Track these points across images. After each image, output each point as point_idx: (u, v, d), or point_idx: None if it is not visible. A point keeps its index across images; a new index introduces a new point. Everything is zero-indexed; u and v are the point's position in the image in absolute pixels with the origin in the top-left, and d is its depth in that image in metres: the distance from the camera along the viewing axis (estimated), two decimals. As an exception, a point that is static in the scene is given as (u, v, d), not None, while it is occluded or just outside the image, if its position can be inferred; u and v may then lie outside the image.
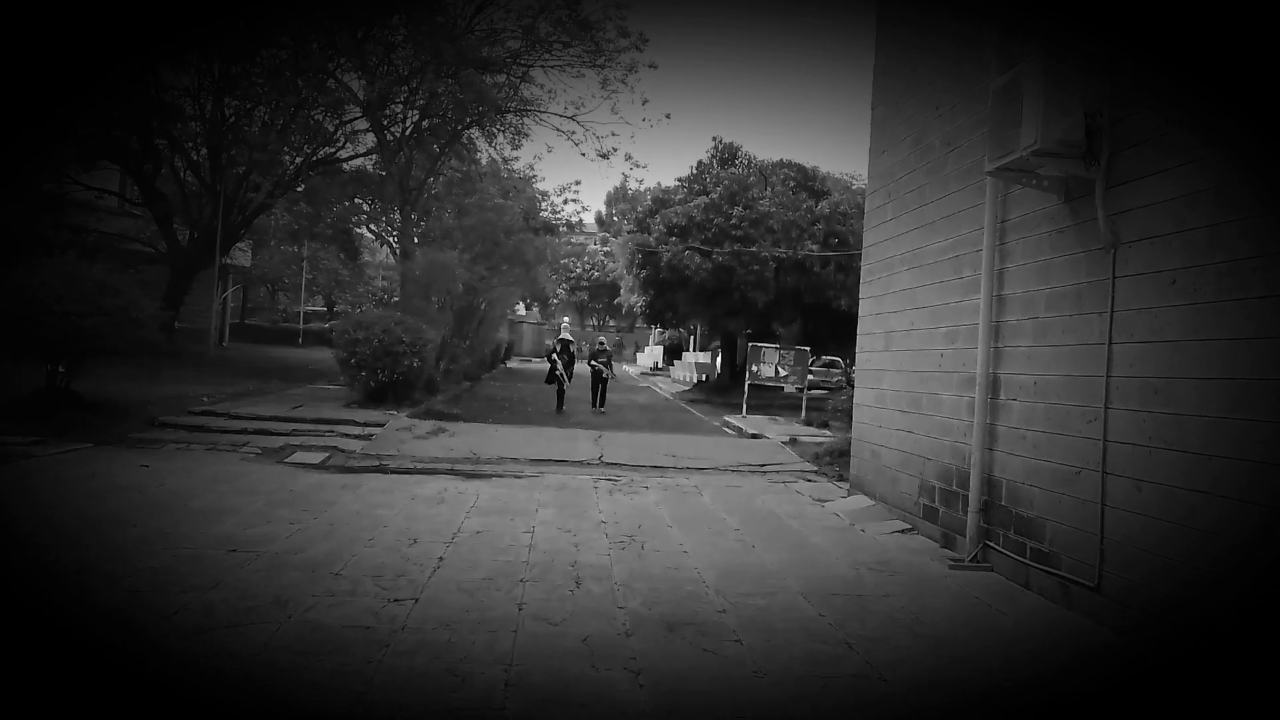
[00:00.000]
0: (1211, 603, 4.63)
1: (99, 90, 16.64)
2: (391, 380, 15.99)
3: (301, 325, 43.08)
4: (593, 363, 20.49)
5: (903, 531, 8.31)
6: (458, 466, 11.20)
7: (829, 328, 29.21)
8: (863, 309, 10.49)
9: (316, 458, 11.20)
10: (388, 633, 4.73)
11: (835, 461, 12.50)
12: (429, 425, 14.43)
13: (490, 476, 10.58)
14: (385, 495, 8.91)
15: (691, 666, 4.46)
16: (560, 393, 19.50)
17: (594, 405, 20.06)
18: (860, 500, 9.69)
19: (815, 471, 12.21)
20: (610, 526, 7.92)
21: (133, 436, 11.76)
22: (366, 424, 13.94)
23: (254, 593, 5.32)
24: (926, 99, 8.90)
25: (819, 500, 9.96)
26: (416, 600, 5.35)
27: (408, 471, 10.67)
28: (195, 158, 24.08)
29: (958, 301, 7.92)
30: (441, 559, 6.43)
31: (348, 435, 13.13)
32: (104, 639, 4.43)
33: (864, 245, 10.63)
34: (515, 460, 11.90)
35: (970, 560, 7.03)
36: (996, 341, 7.16)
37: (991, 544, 6.98)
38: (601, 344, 21.13)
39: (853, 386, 21.78)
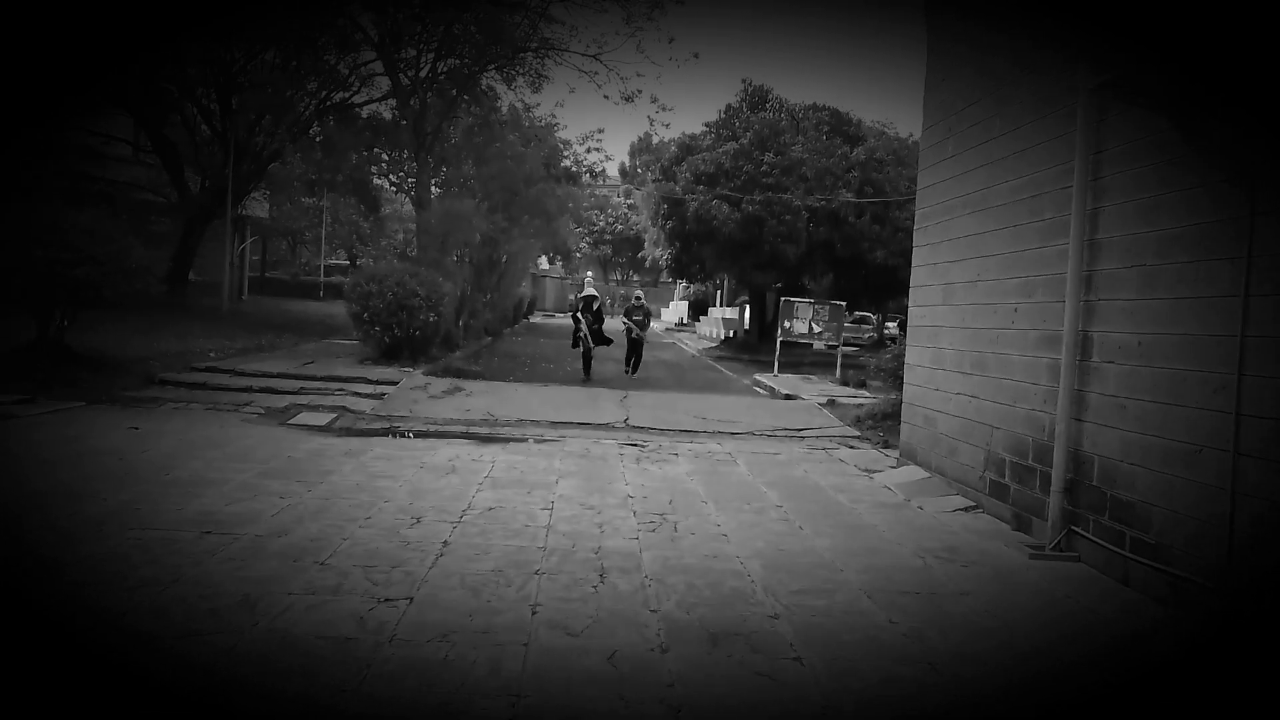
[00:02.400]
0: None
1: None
2: (407, 335, 15.17)
3: (322, 279, 42.31)
4: (625, 320, 18.11)
5: (966, 510, 7.38)
6: (473, 429, 10.39)
7: (862, 282, 27.97)
8: (916, 259, 9.46)
9: (322, 419, 10.44)
10: (371, 646, 3.90)
11: (879, 426, 11.55)
12: (445, 384, 13.62)
13: (507, 441, 9.75)
14: (391, 463, 8.10)
15: (743, 699, 3.58)
16: (586, 356, 16.91)
17: (626, 368, 17.54)
18: (913, 471, 8.76)
19: (858, 437, 11.27)
20: (638, 502, 7.05)
21: (128, 395, 11.04)
22: (379, 382, 13.18)
23: (220, 589, 4.51)
24: (993, 11, 7.78)
25: (866, 470, 9.04)
26: (411, 600, 4.52)
27: (419, 435, 9.87)
28: (206, 103, 23.13)
29: (1036, 248, 6.89)
30: (446, 543, 5.60)
31: (358, 394, 12.37)
32: (16, 658, 3.63)
33: (918, 187, 9.56)
34: (535, 423, 11.06)
35: (1052, 547, 6.09)
36: (1087, 294, 6.14)
37: (1078, 529, 6.04)
38: (638, 299, 18.40)
39: (889, 343, 20.60)
